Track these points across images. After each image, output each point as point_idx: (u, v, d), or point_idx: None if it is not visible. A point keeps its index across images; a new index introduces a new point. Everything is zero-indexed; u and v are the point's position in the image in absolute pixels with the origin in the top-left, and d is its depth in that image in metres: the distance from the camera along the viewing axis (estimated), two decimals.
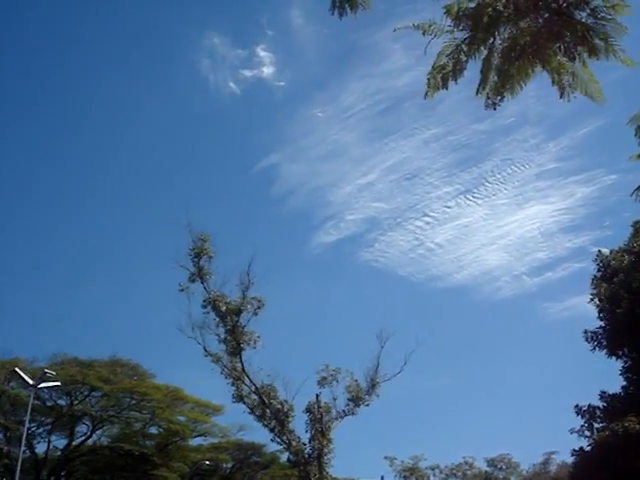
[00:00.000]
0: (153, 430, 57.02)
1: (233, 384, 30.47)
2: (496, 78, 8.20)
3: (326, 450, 30.10)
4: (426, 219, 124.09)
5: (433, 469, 69.30)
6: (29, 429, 45.26)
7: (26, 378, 39.92)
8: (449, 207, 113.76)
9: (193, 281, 30.65)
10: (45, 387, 42.23)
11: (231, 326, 30.31)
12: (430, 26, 8.32)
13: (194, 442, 59.24)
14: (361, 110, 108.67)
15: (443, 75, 8.15)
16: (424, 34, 8.33)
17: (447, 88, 8.28)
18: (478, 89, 8.32)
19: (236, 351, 30.38)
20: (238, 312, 30.45)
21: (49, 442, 52.20)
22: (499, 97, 8.30)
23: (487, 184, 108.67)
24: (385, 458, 67.61)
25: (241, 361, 30.55)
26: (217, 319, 30.51)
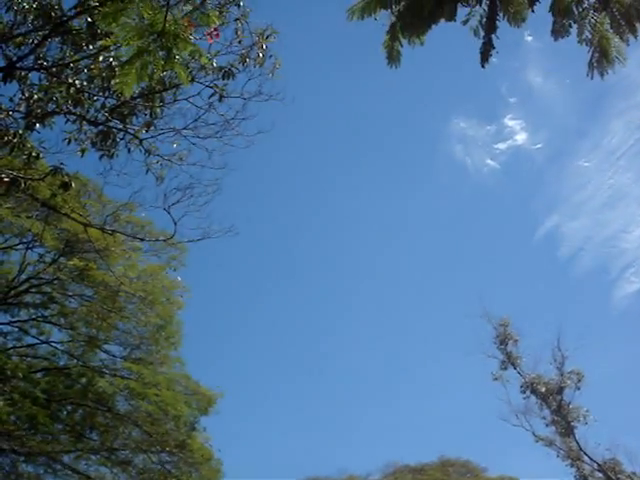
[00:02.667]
0: None
1: (572, 465, 29.20)
2: None
3: None
4: None
5: None
6: None
7: None
8: None
9: (505, 368, 30.43)
10: None
11: (556, 406, 29.38)
12: None
13: None
14: (630, 147, 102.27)
15: None
16: None
17: None
18: None
19: (568, 431, 29.23)
20: (559, 390, 29.47)
21: None
22: None
23: None
24: None
25: (575, 440, 29.27)
26: (539, 401, 29.82)
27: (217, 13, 10.07)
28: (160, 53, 6.23)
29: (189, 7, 9.18)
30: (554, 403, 29.47)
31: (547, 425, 29.69)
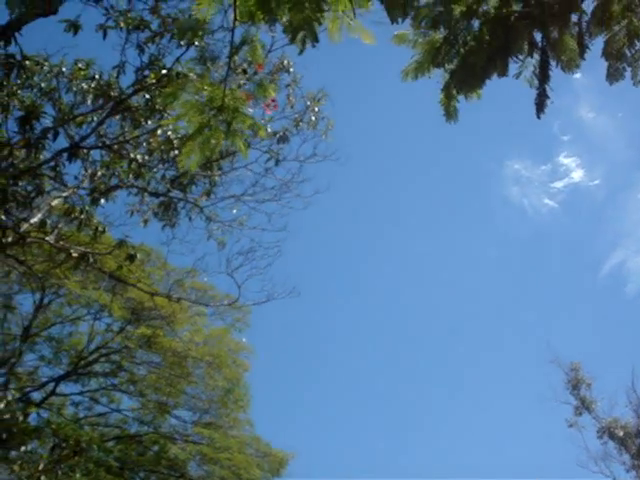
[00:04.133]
0: None
1: None
2: None
3: None
4: None
5: None
6: None
7: None
8: None
9: (580, 414, 29.56)
10: None
11: (635, 450, 28.30)
12: None
13: None
14: None
15: None
16: None
17: None
18: None
19: None
20: (638, 433, 28.47)
21: None
22: None
23: None
24: None
25: None
26: (618, 446, 28.80)
27: (274, 86, 10.34)
28: (220, 127, 6.38)
29: (244, 79, 9.47)
30: (633, 447, 28.42)
31: (628, 470, 28.56)
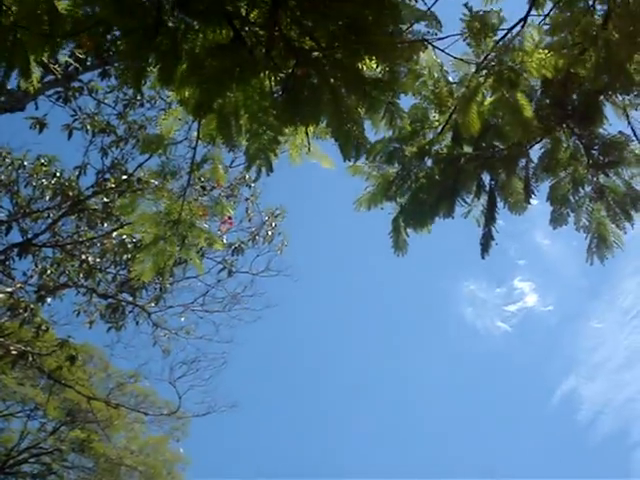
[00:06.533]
0: None
1: None
2: None
3: None
4: None
5: None
6: None
7: None
8: None
9: None
10: None
11: None
12: None
13: None
14: None
15: None
16: None
17: None
18: None
19: None
20: None
21: None
22: None
23: None
24: None
25: None
26: None
27: (231, 204, 10.49)
28: (175, 239, 6.41)
29: (203, 194, 9.59)
30: None
31: None
